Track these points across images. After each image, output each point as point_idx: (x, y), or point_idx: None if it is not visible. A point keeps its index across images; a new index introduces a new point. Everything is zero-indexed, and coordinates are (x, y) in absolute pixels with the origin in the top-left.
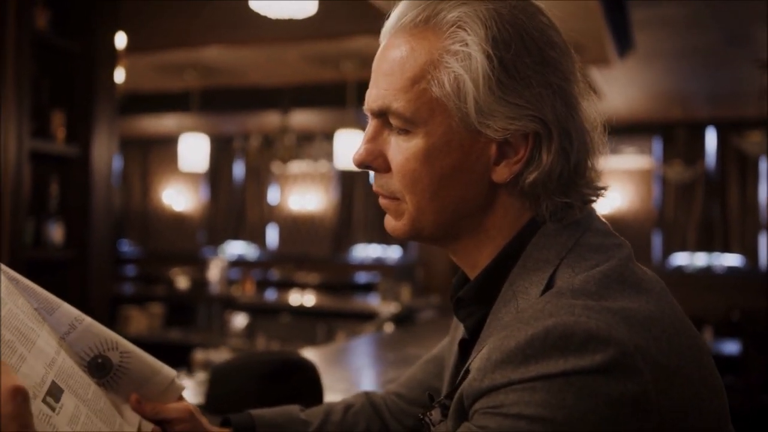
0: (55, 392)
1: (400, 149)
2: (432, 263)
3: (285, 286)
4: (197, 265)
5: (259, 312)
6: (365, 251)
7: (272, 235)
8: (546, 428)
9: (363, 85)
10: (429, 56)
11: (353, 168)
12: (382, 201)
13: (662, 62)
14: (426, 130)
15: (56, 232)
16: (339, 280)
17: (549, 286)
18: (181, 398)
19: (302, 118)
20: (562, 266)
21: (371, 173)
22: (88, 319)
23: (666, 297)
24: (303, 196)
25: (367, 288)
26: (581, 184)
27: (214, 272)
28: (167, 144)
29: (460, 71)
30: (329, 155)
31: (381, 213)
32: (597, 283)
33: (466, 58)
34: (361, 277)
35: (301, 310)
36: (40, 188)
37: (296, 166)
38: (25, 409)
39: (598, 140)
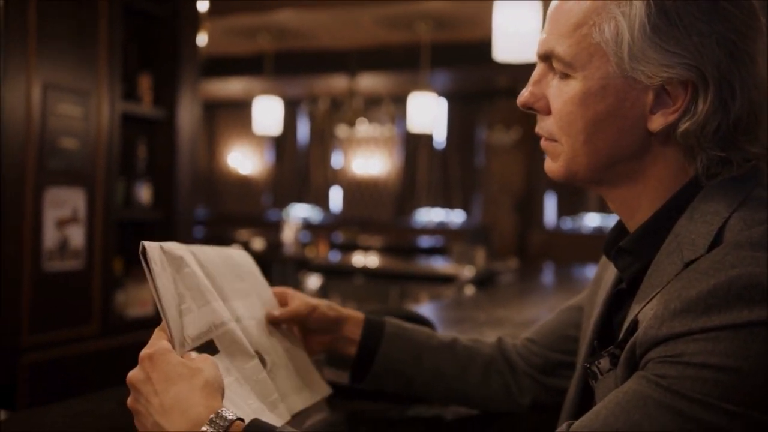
0: (207, 350)
1: (560, 92)
2: (497, 227)
3: (349, 248)
4: (262, 227)
5: (332, 273)
6: (428, 215)
7: (336, 199)
8: (731, 378)
9: (437, 47)
10: (593, 3)
11: (425, 131)
12: (542, 143)
13: None
14: (584, 74)
15: (144, 193)
16: (402, 244)
17: (717, 239)
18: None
19: (369, 82)
20: (732, 219)
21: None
22: (258, 320)
23: None
24: (367, 159)
25: (431, 252)
26: (743, 140)
27: (288, 234)
28: (233, 107)
29: (619, 17)
30: (396, 119)
31: (444, 177)
32: None
33: (626, 4)
34: (424, 241)
35: (375, 273)
36: (129, 150)
37: (361, 130)
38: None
39: None
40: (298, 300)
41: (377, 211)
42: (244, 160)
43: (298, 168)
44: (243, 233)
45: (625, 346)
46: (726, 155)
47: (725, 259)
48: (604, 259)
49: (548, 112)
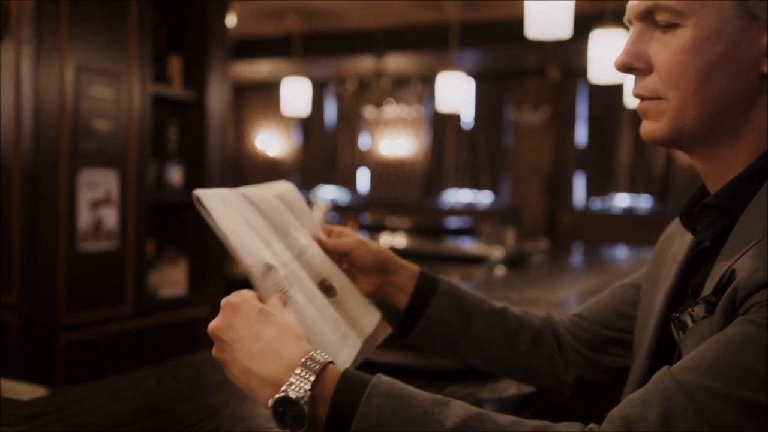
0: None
1: (667, 45)
2: (525, 208)
3: (377, 229)
4: None
5: None
6: (456, 196)
7: (363, 180)
8: None
9: (466, 26)
10: None
11: (453, 111)
12: (641, 105)
13: None
14: (696, 21)
15: (175, 174)
16: (430, 225)
17: None
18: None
19: (397, 62)
20: None
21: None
22: (317, 248)
23: None
24: (394, 140)
25: (459, 232)
26: None
27: (317, 215)
28: (260, 89)
29: None
30: (423, 99)
31: (472, 158)
32: None
33: None
34: (452, 222)
35: (403, 253)
36: (160, 132)
37: (389, 111)
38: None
39: None
40: (346, 234)
41: (405, 192)
42: (271, 142)
43: (326, 149)
44: None
45: (721, 295)
46: None
47: None
48: (664, 235)
49: (649, 70)
